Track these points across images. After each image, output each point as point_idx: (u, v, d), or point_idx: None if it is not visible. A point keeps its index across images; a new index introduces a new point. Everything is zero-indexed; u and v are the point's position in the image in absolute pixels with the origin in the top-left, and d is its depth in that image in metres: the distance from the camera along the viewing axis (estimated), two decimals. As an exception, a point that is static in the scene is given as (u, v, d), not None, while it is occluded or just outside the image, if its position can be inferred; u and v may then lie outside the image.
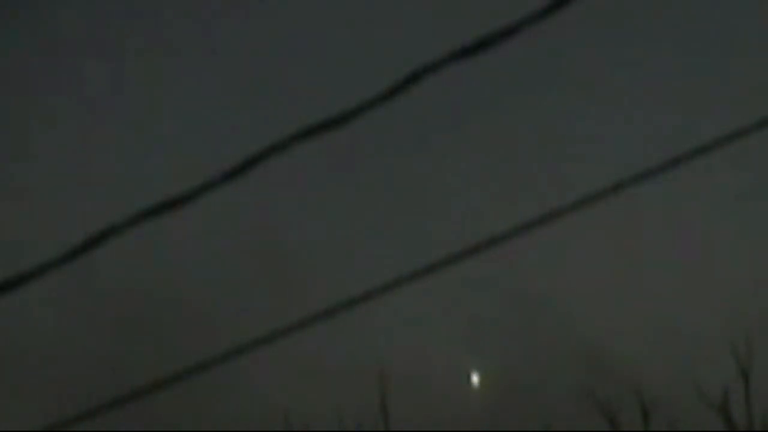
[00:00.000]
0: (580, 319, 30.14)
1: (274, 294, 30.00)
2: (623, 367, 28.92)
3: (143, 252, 29.13)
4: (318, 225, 31.75)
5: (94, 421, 5.08)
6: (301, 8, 31.45)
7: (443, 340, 30.84)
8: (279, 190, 29.82)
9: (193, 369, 4.79)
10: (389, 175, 32.03)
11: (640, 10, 30.72)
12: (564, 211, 4.54)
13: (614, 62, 31.40)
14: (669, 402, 28.62)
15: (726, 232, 30.71)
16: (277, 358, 26.72)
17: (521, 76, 30.80)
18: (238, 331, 25.41)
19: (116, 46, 31.29)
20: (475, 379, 30.35)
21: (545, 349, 30.29)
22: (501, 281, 30.17)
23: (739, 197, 30.56)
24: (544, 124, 31.78)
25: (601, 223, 28.93)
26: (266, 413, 28.84)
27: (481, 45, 4.49)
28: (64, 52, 31.00)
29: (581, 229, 28.32)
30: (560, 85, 31.27)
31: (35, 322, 29.18)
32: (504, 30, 4.46)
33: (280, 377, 29.42)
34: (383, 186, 32.04)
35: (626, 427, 28.96)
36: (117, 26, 31.27)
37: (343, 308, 4.64)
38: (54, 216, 29.79)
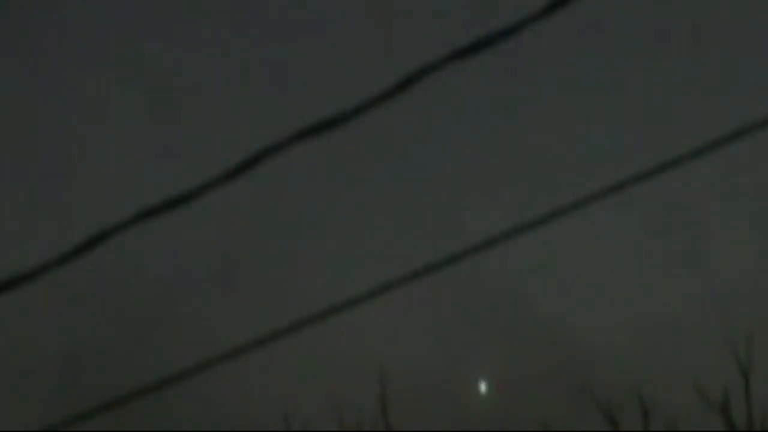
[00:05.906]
0: (579, 318, 30.16)
1: (274, 294, 30.01)
2: (623, 367, 28.93)
3: (143, 252, 29.16)
4: (317, 225, 31.77)
5: (93, 421, 5.08)
6: (301, 8, 31.47)
7: (442, 340, 30.85)
8: (277, 189, 29.83)
9: (193, 369, 4.79)
10: (389, 175, 32.06)
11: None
12: (563, 211, 4.54)
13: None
14: (669, 402, 28.62)
15: (726, 231, 30.73)
16: (276, 358, 26.74)
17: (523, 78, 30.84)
18: (238, 331, 25.42)
19: (115, 45, 31.32)
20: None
21: (545, 348, 30.30)
22: (501, 281, 30.20)
23: (739, 196, 30.60)
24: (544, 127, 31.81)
25: (601, 222, 28.96)
26: (266, 413, 28.86)
27: (481, 45, 4.50)
28: (63, 53, 31.02)
29: (581, 228, 28.35)
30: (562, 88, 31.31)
31: (35, 322, 29.19)
32: (504, 30, 4.46)
33: (280, 377, 29.43)
34: (383, 185, 32.06)
35: (626, 427, 28.95)
36: (118, 24, 31.30)
37: (343, 308, 4.64)
38: (54, 216, 29.81)
